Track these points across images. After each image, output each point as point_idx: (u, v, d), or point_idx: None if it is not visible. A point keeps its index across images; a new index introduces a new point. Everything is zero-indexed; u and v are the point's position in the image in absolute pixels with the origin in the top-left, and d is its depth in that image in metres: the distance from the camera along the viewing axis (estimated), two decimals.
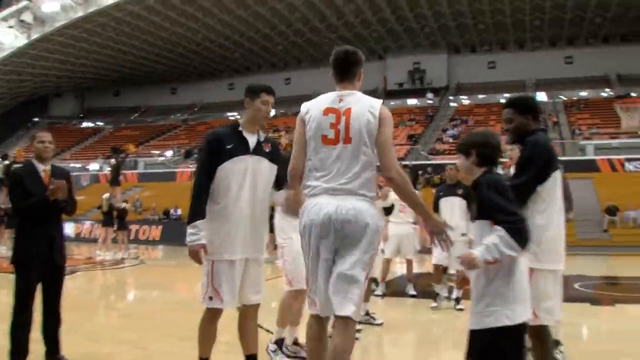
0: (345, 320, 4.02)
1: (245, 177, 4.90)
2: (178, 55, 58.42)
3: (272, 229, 6.02)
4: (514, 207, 3.82)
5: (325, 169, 4.19)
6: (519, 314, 3.80)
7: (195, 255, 4.86)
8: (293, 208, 4.38)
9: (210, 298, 4.89)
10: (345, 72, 4.38)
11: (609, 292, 13.41)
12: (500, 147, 4.09)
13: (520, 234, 3.73)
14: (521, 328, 3.82)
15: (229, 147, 4.89)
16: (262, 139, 5.15)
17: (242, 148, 4.95)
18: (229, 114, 62.53)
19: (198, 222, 4.84)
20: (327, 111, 4.25)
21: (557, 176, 4.48)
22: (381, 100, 4.31)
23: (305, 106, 4.42)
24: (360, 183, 4.13)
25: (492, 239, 3.73)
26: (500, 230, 3.73)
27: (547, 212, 4.43)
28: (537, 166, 4.37)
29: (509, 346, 3.75)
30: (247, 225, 4.90)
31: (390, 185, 4.21)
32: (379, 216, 4.42)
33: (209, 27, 51.23)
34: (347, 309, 3.99)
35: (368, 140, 4.14)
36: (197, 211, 4.88)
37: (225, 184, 4.88)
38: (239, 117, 44.41)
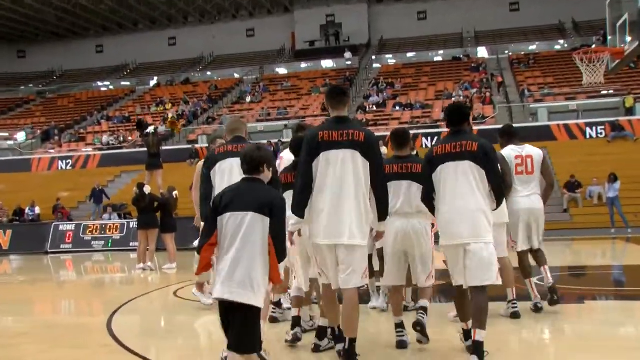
0: None
1: None
2: (23, 6, 55.78)
3: None
4: None
5: None
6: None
7: None
8: None
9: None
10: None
11: (574, 285, 13.51)
12: None
13: None
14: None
15: None
16: None
17: None
18: (99, 83, 60.86)
19: None
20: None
21: (439, 170, 6.92)
22: None
23: None
24: None
25: None
26: None
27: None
28: None
29: None
30: None
31: None
32: None
33: None
34: None
35: None
36: None
37: None
38: (110, 86, 42.91)
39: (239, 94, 52.62)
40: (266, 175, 5.68)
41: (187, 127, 45.43)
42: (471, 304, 6.78)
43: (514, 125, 36.85)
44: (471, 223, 6.69)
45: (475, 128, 35.46)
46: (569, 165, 30.75)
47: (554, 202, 29.16)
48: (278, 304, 9.47)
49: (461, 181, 6.78)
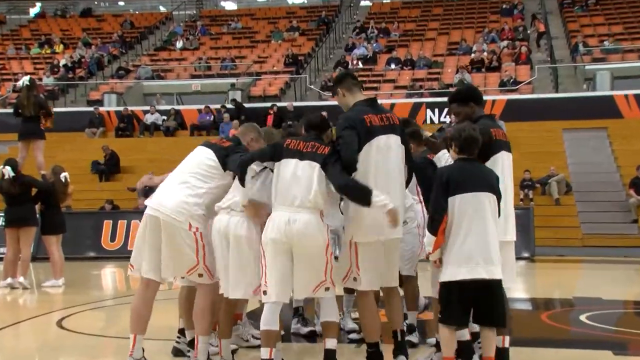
0: None
1: None
2: None
3: None
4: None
5: None
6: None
7: None
8: None
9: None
10: None
11: None
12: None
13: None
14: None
15: None
16: None
17: None
18: None
19: None
20: None
21: (497, 158, 8.42)
22: None
23: None
24: None
25: None
26: None
27: None
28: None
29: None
30: None
31: None
32: None
33: None
34: None
35: None
36: None
37: None
38: None
39: (165, 37, 52.24)
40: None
41: (87, 82, 44.93)
42: None
43: (560, 95, 36.83)
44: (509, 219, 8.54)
45: (503, 97, 35.72)
46: (639, 155, 30.71)
47: (616, 208, 29.05)
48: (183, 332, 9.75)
49: (511, 176, 8.68)
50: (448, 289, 7.68)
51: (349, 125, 8.26)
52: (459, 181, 7.75)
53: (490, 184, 7.82)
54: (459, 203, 7.66)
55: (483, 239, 7.61)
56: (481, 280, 7.53)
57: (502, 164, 8.46)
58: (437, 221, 7.77)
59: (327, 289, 8.15)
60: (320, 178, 8.11)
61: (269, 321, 8.08)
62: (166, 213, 8.48)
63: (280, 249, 8.06)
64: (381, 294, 9.23)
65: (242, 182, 8.47)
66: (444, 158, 8.91)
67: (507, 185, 8.48)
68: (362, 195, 7.97)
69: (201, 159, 8.88)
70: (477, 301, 7.64)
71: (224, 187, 8.81)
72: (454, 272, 7.59)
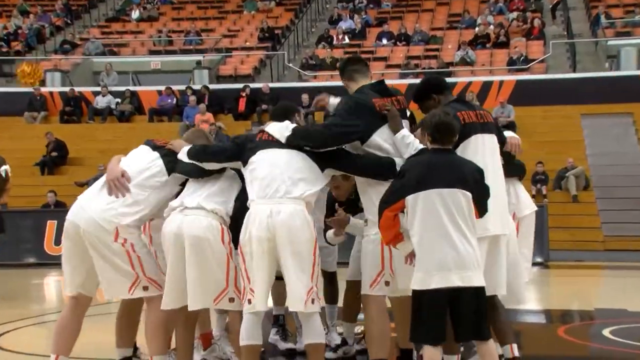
0: None
1: None
2: None
3: None
4: None
5: None
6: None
7: None
8: None
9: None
10: None
11: None
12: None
13: None
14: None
15: None
16: None
17: None
18: None
19: None
20: None
21: (467, 145, 8.39)
22: None
23: None
24: None
25: None
26: None
27: None
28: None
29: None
30: None
31: None
32: None
33: None
34: None
35: None
36: None
37: None
38: None
39: (119, 5, 52.09)
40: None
41: (25, 57, 44.67)
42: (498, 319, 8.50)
43: (578, 75, 36.78)
44: (504, 210, 8.73)
45: (512, 78, 35.74)
46: None
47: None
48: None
49: (495, 159, 8.67)
50: (419, 299, 7.56)
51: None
52: (423, 175, 7.71)
53: (463, 179, 7.70)
54: (422, 201, 7.58)
55: (455, 241, 7.51)
56: (456, 289, 7.45)
57: (476, 150, 8.43)
58: (378, 216, 7.81)
59: (313, 300, 7.98)
60: (309, 167, 8.21)
61: (251, 335, 8.07)
62: (88, 220, 8.46)
63: (264, 249, 7.94)
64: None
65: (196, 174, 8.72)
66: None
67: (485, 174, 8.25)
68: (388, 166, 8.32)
69: (143, 164, 8.81)
70: (454, 313, 7.56)
71: (167, 197, 8.83)
72: (424, 279, 7.50)
